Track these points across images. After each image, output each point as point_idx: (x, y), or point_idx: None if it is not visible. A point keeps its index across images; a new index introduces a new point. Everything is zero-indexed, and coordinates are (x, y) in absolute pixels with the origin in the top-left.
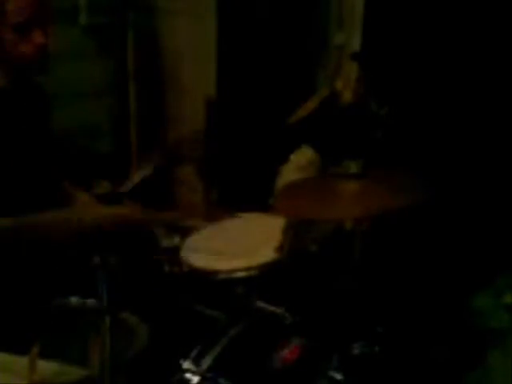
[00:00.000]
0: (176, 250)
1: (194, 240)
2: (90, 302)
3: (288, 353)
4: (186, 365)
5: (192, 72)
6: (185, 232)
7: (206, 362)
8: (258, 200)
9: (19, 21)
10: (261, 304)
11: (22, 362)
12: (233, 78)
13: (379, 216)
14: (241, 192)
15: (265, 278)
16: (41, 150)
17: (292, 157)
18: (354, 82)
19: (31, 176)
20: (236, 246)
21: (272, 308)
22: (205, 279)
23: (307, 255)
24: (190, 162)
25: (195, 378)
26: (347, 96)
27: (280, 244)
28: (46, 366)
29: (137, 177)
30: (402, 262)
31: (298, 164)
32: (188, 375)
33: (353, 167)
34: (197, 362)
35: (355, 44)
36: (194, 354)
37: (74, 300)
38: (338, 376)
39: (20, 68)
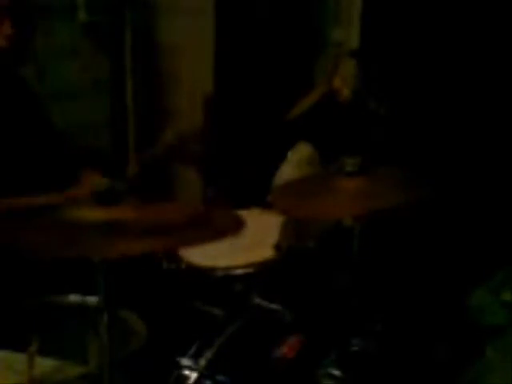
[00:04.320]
0: None
1: None
2: (89, 299)
3: (286, 349)
4: (185, 361)
5: (190, 68)
6: None
7: (205, 358)
8: (256, 197)
9: None
10: (259, 301)
11: (20, 359)
12: (231, 74)
13: (377, 213)
14: (239, 189)
15: (263, 275)
16: (40, 139)
17: (290, 153)
18: (351, 79)
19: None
20: (234, 243)
21: (270, 305)
22: (203, 276)
23: (305, 252)
24: (188, 159)
25: (194, 375)
26: (345, 93)
27: (278, 241)
28: (44, 363)
29: (147, 156)
30: (401, 259)
31: (296, 161)
32: (186, 372)
33: (351, 164)
34: (195, 358)
35: (353, 41)
36: (192, 350)
37: (72, 297)
38: (337, 372)
39: None
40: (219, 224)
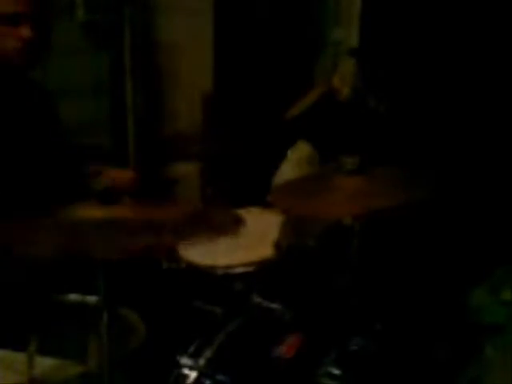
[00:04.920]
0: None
1: None
2: (89, 298)
3: (286, 348)
4: (184, 360)
5: (189, 68)
6: None
7: (204, 357)
8: (256, 197)
9: (6, 12)
10: (259, 300)
11: (20, 358)
12: (230, 73)
13: (377, 212)
14: (239, 189)
15: (263, 274)
16: (49, 143)
17: (289, 153)
18: (351, 78)
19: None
20: (234, 241)
21: (270, 304)
22: (203, 275)
23: (305, 251)
24: (188, 158)
25: (193, 374)
26: (344, 92)
27: (277, 240)
28: (44, 362)
29: None
30: (400, 258)
31: (296, 160)
32: (186, 371)
33: (350, 163)
34: (195, 357)
35: (353, 40)
36: (191, 349)
37: (72, 296)
38: (337, 371)
39: (3, 61)
40: (218, 222)
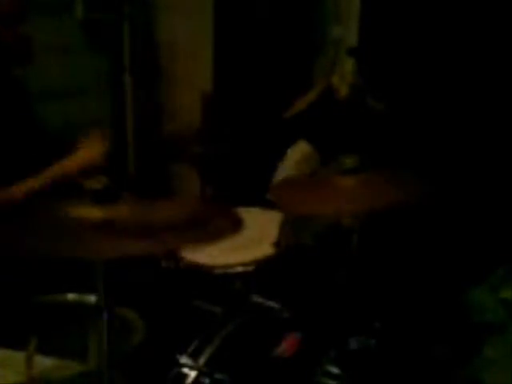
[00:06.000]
0: None
1: None
2: (88, 297)
3: (285, 347)
4: (184, 360)
5: (188, 66)
6: None
7: (204, 356)
8: (255, 195)
9: (7, 11)
10: (258, 299)
11: (19, 357)
12: (229, 72)
13: (376, 211)
14: (238, 187)
15: (262, 273)
16: (27, 144)
17: (289, 151)
18: (350, 76)
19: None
20: (233, 241)
21: (269, 303)
22: (202, 274)
23: (304, 250)
24: (187, 158)
25: (192, 373)
26: (344, 91)
27: (277, 239)
28: (43, 362)
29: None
30: (400, 257)
31: (295, 159)
32: (185, 370)
33: (349, 162)
34: (194, 356)
35: (352, 38)
36: (191, 348)
37: (71, 295)
38: (335, 370)
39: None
40: (218, 224)
